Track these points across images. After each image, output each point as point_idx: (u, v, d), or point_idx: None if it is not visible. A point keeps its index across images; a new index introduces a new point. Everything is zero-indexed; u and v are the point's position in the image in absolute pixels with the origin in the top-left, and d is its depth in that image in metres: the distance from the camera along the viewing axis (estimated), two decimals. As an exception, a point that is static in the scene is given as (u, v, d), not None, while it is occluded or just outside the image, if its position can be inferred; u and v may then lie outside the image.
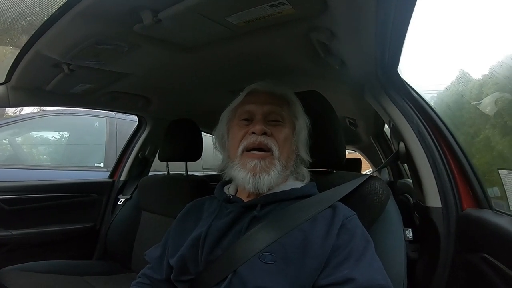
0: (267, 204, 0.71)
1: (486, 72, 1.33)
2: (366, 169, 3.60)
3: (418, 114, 0.92)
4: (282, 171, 0.72)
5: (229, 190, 0.81)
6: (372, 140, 2.44)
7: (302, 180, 0.78)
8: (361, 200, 0.77)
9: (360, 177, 0.81)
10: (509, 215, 0.74)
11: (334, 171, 0.89)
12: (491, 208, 0.81)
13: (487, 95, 1.25)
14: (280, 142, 0.73)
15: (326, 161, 0.88)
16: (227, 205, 0.75)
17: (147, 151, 1.79)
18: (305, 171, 0.79)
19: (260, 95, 0.78)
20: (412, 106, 0.93)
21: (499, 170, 0.73)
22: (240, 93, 0.82)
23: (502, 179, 0.72)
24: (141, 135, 1.78)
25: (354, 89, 1.16)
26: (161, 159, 1.47)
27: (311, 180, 0.79)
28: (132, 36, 0.79)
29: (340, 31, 0.74)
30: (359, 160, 2.87)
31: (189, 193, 1.27)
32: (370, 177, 0.81)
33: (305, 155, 0.78)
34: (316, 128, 0.81)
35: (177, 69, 1.07)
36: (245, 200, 0.74)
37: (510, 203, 0.73)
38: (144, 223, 1.45)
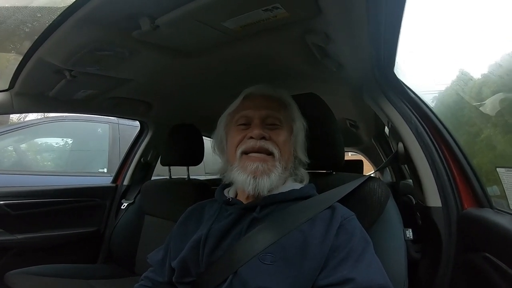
0: (267, 206, 0.72)
1: (486, 71, 1.34)
2: (369, 171, 3.59)
3: (416, 114, 0.92)
4: (282, 173, 0.73)
5: (229, 192, 0.82)
6: (373, 141, 2.44)
7: (301, 182, 0.78)
8: (360, 201, 0.77)
9: (359, 178, 0.81)
10: (509, 213, 0.74)
11: (333, 173, 0.90)
12: (491, 207, 0.81)
13: (487, 94, 1.25)
14: (280, 145, 0.74)
15: (325, 163, 0.88)
16: (227, 208, 0.76)
17: (150, 156, 1.80)
18: (304, 173, 0.79)
19: (257, 99, 0.79)
20: (410, 107, 0.94)
21: (497, 168, 0.73)
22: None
23: (501, 177, 0.72)
24: (143, 140, 1.79)
25: (353, 91, 1.17)
26: (163, 164, 1.49)
27: (310, 181, 0.79)
28: (132, 42, 0.80)
29: (335, 33, 0.75)
30: (361, 162, 2.86)
31: (191, 197, 1.28)
32: (370, 178, 0.81)
33: (303, 156, 0.79)
34: (314, 130, 0.82)
35: (177, 74, 1.09)
36: (245, 202, 0.75)
37: (510, 201, 0.73)
38: (147, 227, 1.46)
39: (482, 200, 0.82)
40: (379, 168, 1.93)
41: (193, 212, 0.84)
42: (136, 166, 1.79)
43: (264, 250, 0.63)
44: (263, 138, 0.72)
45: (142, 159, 1.79)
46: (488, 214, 0.76)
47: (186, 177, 1.47)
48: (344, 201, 0.74)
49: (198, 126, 1.43)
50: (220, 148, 0.83)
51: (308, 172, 0.81)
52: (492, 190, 0.86)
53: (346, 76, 1.01)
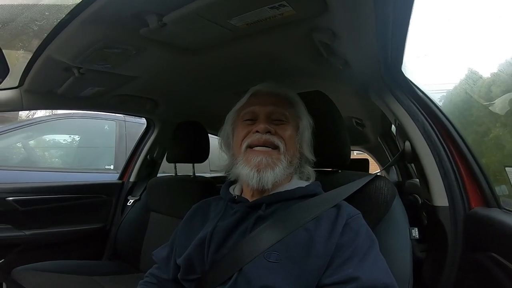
0: (272, 204, 0.72)
1: (495, 71, 1.32)
2: (375, 170, 3.57)
3: (424, 113, 0.91)
4: (287, 167, 0.73)
5: (235, 190, 0.82)
6: (380, 140, 2.42)
7: (307, 179, 0.78)
8: (366, 199, 0.77)
9: (366, 177, 0.81)
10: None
11: (339, 171, 0.89)
12: (499, 206, 0.80)
13: (496, 93, 1.23)
14: (286, 139, 0.74)
15: (331, 161, 0.88)
16: (233, 205, 0.76)
17: (155, 153, 1.82)
18: (310, 170, 0.79)
19: (264, 96, 0.79)
20: (417, 105, 0.93)
21: (506, 168, 0.72)
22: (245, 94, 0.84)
23: (509, 177, 0.71)
24: (149, 137, 1.81)
25: (359, 89, 1.16)
26: (169, 161, 1.50)
27: (316, 179, 0.79)
28: (139, 40, 0.81)
29: (342, 31, 0.74)
30: (366, 160, 2.85)
31: (196, 194, 1.28)
32: (376, 176, 0.81)
33: (309, 154, 0.79)
34: (320, 128, 0.82)
35: (183, 71, 1.09)
36: (250, 200, 0.75)
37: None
38: (152, 224, 1.48)
39: (490, 199, 0.81)
40: (386, 167, 1.92)
41: (199, 210, 0.85)
42: (142, 163, 1.80)
43: (269, 248, 0.63)
44: (269, 132, 0.73)
45: (148, 156, 1.80)
46: (495, 213, 0.75)
47: (191, 174, 1.48)
48: (350, 199, 0.73)
49: (204, 124, 1.43)
50: (226, 144, 0.84)
51: (314, 170, 0.81)
52: (500, 189, 0.85)
53: (353, 74, 1.01)
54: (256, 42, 0.85)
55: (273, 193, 0.73)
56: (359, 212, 0.69)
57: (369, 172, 2.14)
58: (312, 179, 0.78)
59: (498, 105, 1.24)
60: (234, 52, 0.93)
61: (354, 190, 0.76)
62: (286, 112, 0.77)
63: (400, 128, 0.99)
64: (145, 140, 1.82)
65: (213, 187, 1.35)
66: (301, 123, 0.79)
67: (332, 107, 0.88)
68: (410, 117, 0.92)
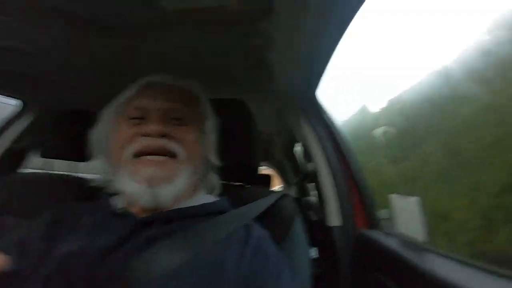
0: (171, 221, 0.58)
1: (384, 105, 1.56)
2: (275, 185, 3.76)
3: (329, 138, 0.98)
4: (190, 177, 0.60)
5: (119, 200, 0.63)
6: (284, 158, 2.55)
7: (211, 190, 0.69)
8: (271, 218, 0.74)
9: (274, 194, 0.78)
10: (395, 235, 0.83)
11: (247, 186, 0.85)
12: (380, 228, 0.90)
13: (381, 126, 1.45)
14: (188, 145, 0.60)
15: (238, 175, 0.83)
16: (115, 219, 0.58)
17: (24, 144, 1.44)
18: (214, 180, 0.69)
19: (159, 88, 0.63)
20: (325, 130, 0.99)
21: (390, 195, 0.80)
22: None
23: (393, 202, 0.79)
24: (20, 124, 1.42)
25: (276, 105, 1.18)
26: (44, 155, 1.17)
27: (221, 193, 0.71)
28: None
29: (278, 42, 0.71)
30: (269, 176, 2.96)
31: (66, 196, 1.02)
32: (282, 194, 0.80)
33: (214, 159, 0.68)
34: (233, 139, 0.76)
35: (84, 51, 0.87)
36: (140, 215, 0.58)
37: (396, 225, 0.80)
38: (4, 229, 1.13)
39: (374, 221, 0.90)
40: (292, 185, 2.02)
41: (60, 216, 0.62)
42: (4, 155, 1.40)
43: (165, 276, 0.49)
44: (164, 136, 0.57)
45: (13, 147, 1.41)
46: (377, 235, 0.83)
47: (67, 173, 1.21)
48: (256, 217, 0.69)
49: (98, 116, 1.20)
50: (101, 150, 0.65)
51: (221, 183, 0.73)
52: (380, 213, 0.97)
53: (276, 88, 1.00)
54: (185, 33, 0.73)
55: (172, 209, 0.59)
56: (267, 233, 0.64)
57: (270, 188, 2.22)
58: (217, 191, 0.69)
59: (376, 138, 1.46)
60: (154, 38, 0.78)
61: (264, 208, 0.72)
62: (188, 111, 0.63)
63: (306, 149, 1.03)
64: (12, 126, 1.43)
65: (93, 190, 1.12)
66: (207, 123, 0.66)
67: (250, 119, 0.84)
68: (318, 140, 0.97)
